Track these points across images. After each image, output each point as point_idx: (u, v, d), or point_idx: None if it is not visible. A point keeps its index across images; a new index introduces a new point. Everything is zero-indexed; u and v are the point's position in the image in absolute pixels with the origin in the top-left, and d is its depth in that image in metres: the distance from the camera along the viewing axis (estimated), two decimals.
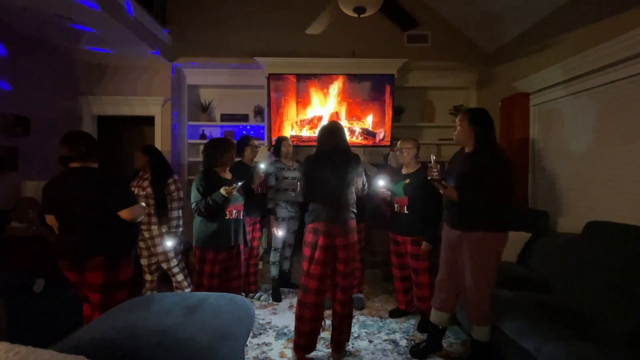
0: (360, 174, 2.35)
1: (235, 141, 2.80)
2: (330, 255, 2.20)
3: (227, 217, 2.41)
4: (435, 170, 2.01)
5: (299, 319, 2.20)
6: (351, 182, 2.26)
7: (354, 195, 2.30)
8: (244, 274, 3.07)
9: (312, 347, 2.26)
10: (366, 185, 2.48)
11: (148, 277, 2.94)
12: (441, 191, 2.04)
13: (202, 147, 2.90)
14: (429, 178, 2.05)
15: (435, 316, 2.26)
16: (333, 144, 2.27)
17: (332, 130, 2.32)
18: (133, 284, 2.13)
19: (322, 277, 2.18)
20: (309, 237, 2.21)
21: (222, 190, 2.28)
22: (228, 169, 2.56)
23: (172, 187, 2.86)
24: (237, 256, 2.52)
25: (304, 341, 2.20)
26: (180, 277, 2.93)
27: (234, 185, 2.32)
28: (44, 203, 1.96)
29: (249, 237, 3.00)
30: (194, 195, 2.36)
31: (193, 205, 2.36)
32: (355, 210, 2.28)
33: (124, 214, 1.92)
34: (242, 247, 2.58)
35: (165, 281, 3.12)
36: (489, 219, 1.96)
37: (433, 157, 2.07)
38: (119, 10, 2.85)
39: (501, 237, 2.00)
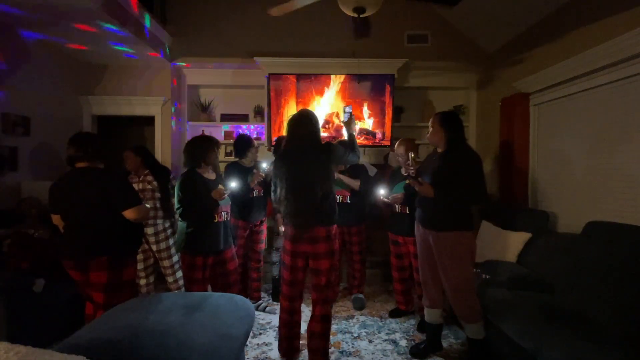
0: (338, 162, 2.13)
1: (217, 139, 2.54)
2: (300, 262, 2.08)
3: (216, 220, 2.33)
4: (412, 167, 2.10)
5: (279, 321, 2.17)
6: (321, 179, 1.99)
7: (331, 196, 2.05)
8: (243, 278, 3.04)
9: (293, 353, 2.18)
10: (347, 160, 2.19)
11: (143, 281, 2.94)
12: (417, 188, 2.10)
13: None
14: (405, 174, 2.12)
15: (428, 315, 2.31)
16: (298, 136, 2.03)
17: (297, 121, 2.07)
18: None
19: (292, 282, 2.09)
20: (283, 238, 2.18)
21: (214, 195, 2.24)
22: (212, 168, 2.45)
23: (174, 182, 2.93)
24: (231, 260, 2.47)
25: (283, 345, 2.16)
26: (179, 274, 2.93)
27: (225, 188, 2.30)
28: (50, 203, 1.98)
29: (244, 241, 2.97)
30: (178, 199, 2.26)
31: (177, 210, 2.27)
32: (331, 214, 2.05)
33: (129, 213, 1.93)
34: (233, 250, 2.51)
35: (161, 283, 3.12)
36: (460, 218, 2.06)
37: (412, 155, 2.14)
38: (120, 10, 2.85)
39: (472, 235, 2.11)
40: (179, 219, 2.31)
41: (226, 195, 2.33)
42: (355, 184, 2.90)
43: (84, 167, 1.94)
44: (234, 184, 2.46)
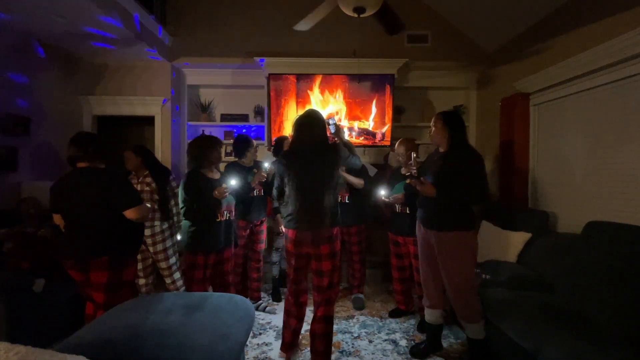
0: (343, 162, 2.14)
1: (219, 138, 2.59)
2: (302, 262, 2.10)
3: (219, 220, 2.35)
4: (414, 167, 2.10)
5: (284, 315, 2.21)
6: (329, 182, 2.02)
7: (334, 198, 2.08)
8: (243, 279, 3.04)
9: (293, 348, 2.23)
10: (350, 160, 2.19)
11: (142, 280, 2.93)
12: (418, 188, 2.09)
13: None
14: (406, 174, 2.11)
15: (428, 315, 2.32)
16: (306, 136, 2.03)
17: (305, 121, 2.06)
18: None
19: (296, 281, 2.14)
20: (285, 240, 2.19)
21: (215, 193, 2.25)
22: (215, 168, 2.47)
23: (174, 184, 2.96)
24: (229, 260, 2.48)
25: (287, 339, 2.20)
26: (177, 275, 2.92)
27: (227, 187, 2.31)
28: (51, 202, 1.99)
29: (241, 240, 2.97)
30: (182, 198, 2.30)
31: (182, 209, 2.30)
32: (335, 215, 2.06)
33: (130, 213, 1.93)
34: (232, 250, 2.52)
35: (160, 283, 3.11)
36: (462, 218, 2.07)
37: (414, 155, 2.15)
38: (120, 11, 2.85)
39: (474, 234, 2.12)
40: (183, 218, 2.33)
41: (227, 193, 2.33)
42: (360, 182, 2.92)
43: (85, 167, 1.94)
44: (233, 182, 2.47)
